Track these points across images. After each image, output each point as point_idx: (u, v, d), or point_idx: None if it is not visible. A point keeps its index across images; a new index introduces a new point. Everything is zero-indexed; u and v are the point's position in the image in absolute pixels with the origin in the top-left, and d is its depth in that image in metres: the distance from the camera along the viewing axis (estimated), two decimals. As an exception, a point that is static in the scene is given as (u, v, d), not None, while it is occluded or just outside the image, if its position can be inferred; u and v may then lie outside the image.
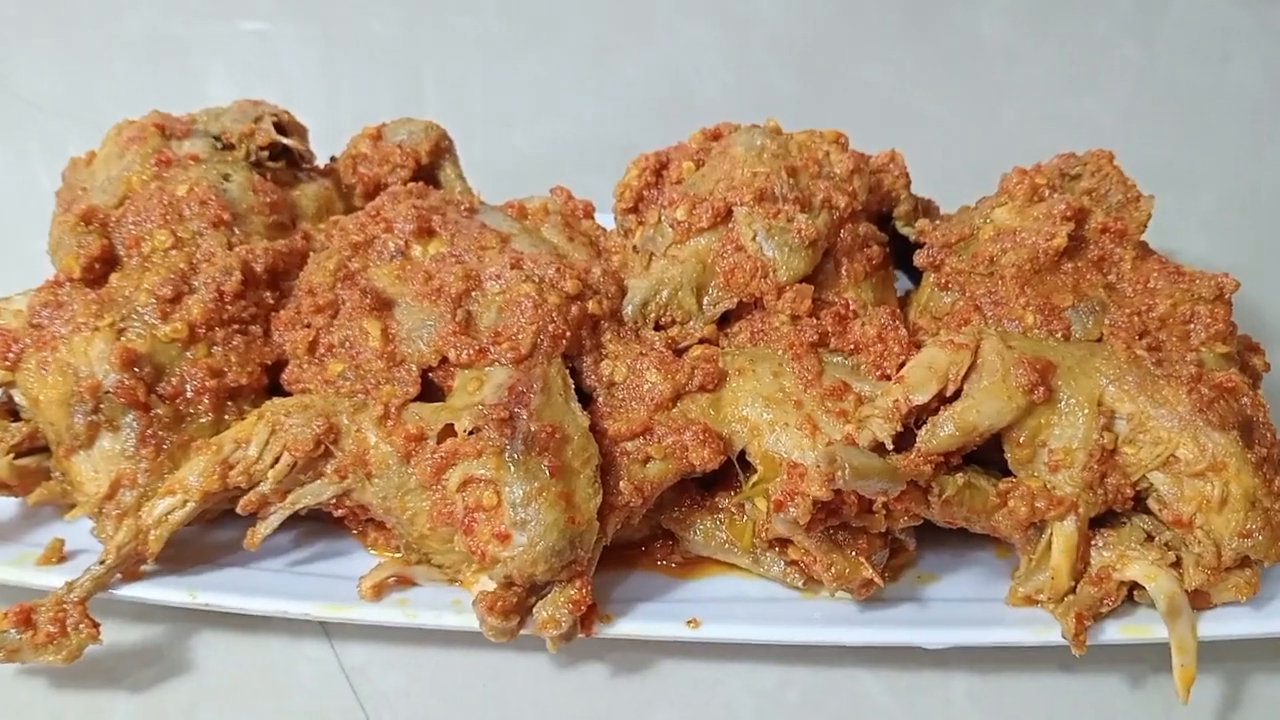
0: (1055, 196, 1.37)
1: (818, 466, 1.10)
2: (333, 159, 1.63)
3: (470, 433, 1.20)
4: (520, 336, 1.28)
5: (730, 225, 1.38)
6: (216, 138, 1.51)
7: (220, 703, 1.25)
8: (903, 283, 1.56)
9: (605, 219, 1.55)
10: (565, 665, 1.29)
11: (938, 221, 1.51)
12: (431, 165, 1.57)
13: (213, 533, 1.32)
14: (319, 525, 1.34)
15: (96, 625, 1.19)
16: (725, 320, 1.39)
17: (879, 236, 1.46)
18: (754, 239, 1.36)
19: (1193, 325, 1.28)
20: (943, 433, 1.20)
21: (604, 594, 1.27)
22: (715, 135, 1.52)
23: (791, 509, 1.16)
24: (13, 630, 1.15)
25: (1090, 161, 1.45)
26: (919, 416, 1.22)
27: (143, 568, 1.25)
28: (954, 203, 1.57)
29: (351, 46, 2.46)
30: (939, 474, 1.21)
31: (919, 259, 1.44)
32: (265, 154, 1.50)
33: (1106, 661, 1.30)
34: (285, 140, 1.50)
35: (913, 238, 1.51)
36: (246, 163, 1.48)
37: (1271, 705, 1.28)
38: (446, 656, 1.29)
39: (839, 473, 1.09)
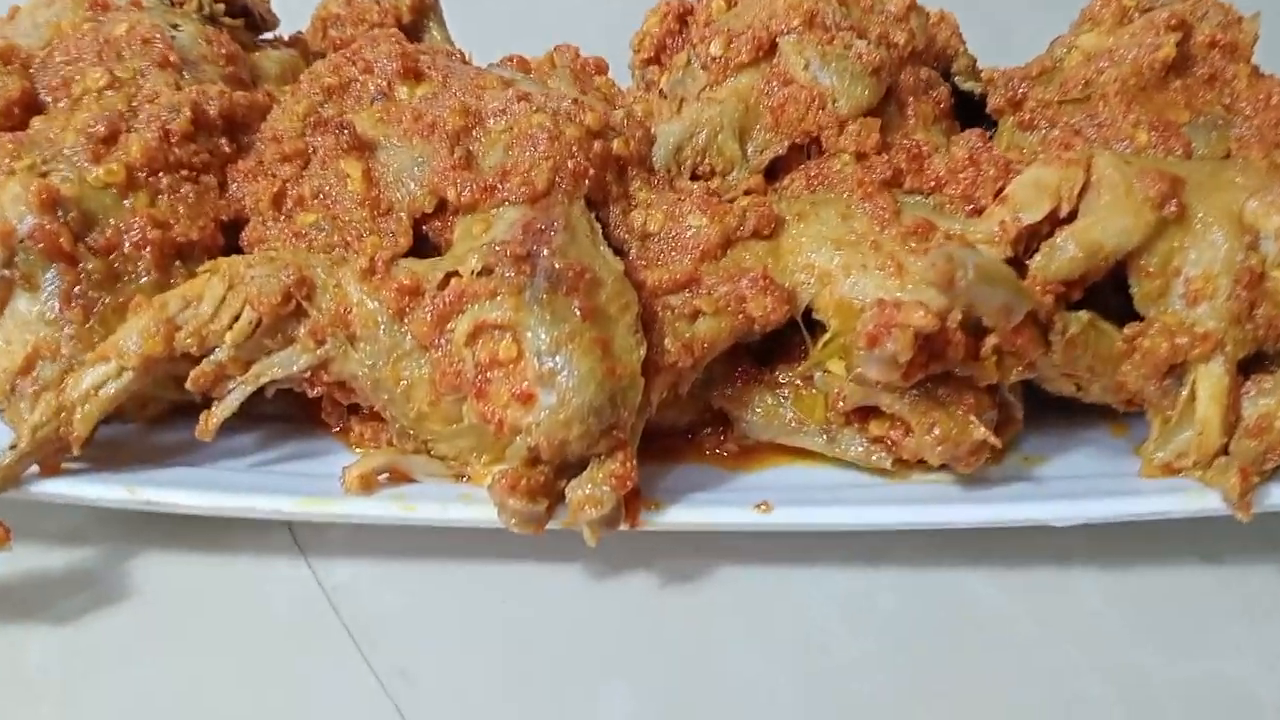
0: (1155, 8, 1.17)
1: (932, 265, 0.87)
2: (299, 33, 1.40)
3: (480, 274, 0.97)
4: (534, 172, 1.04)
5: (775, 59, 1.16)
6: (163, -9, 1.28)
7: (168, 637, 0.98)
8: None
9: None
10: (602, 575, 1.04)
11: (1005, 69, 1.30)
12: (414, 25, 1.35)
13: (157, 434, 1.07)
14: (289, 426, 1.10)
15: (6, 530, 0.93)
16: (772, 173, 1.17)
17: (942, 82, 1.25)
18: (806, 68, 1.14)
19: (1333, 140, 1.08)
20: (1064, 255, 0.98)
21: (649, 486, 1.02)
22: (748, -25, 1.31)
23: (889, 343, 0.92)
24: (-101, 532, 0.89)
25: (1181, -18, 1.26)
26: (1030, 243, 1.00)
27: (67, 462, 0.99)
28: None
29: None
30: (1060, 310, 0.98)
31: (994, 100, 1.23)
32: (221, 8, 1.27)
33: (1255, 549, 1.07)
34: (243, -2, 1.28)
35: (978, 91, 1.29)
36: (200, 16, 1.25)
37: None
38: (452, 570, 1.04)
39: (959, 273, 0.86)
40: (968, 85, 1.32)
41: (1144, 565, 1.06)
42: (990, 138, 1.24)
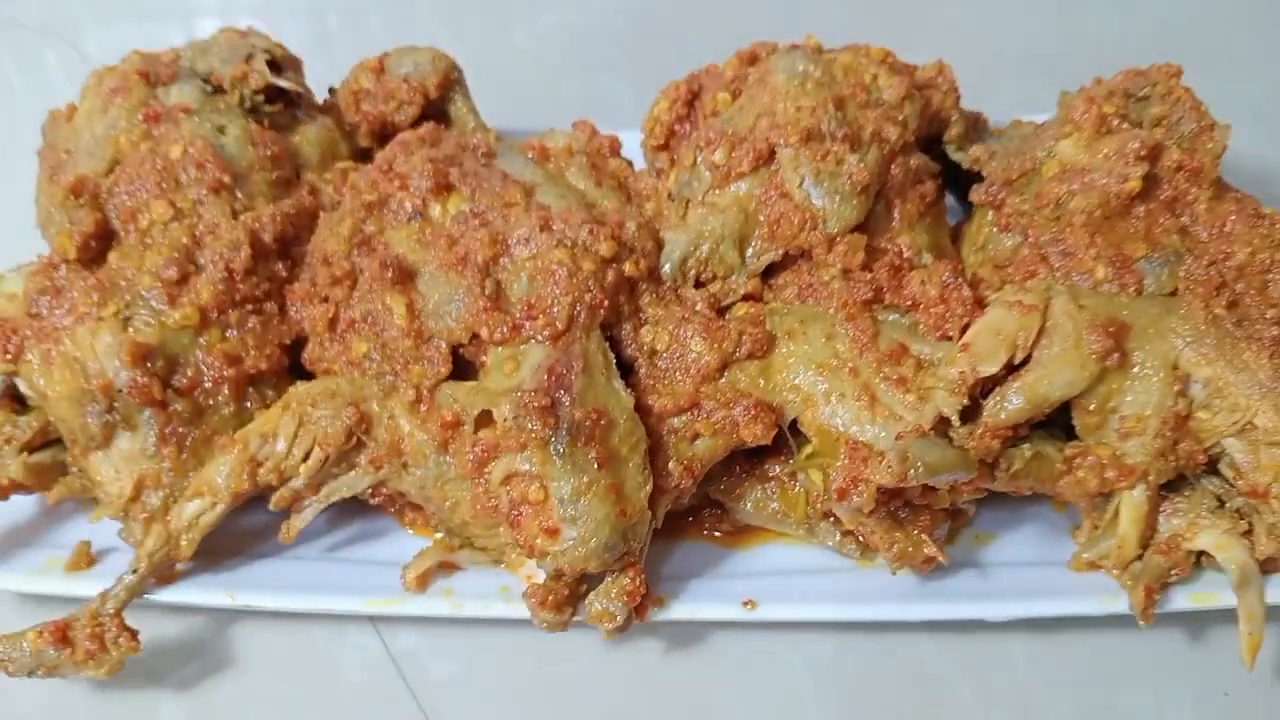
0: (1127, 130, 1.27)
1: (889, 467, 1.04)
2: (332, 91, 1.50)
3: (510, 423, 1.14)
4: (555, 310, 1.19)
5: (774, 167, 1.27)
6: (205, 80, 1.37)
7: (267, 696, 1.23)
8: (951, 204, 1.46)
9: (631, 137, 1.45)
10: (619, 645, 1.26)
11: (992, 145, 1.40)
12: (441, 99, 1.45)
13: (244, 518, 1.27)
14: (354, 504, 1.29)
15: (135, 635, 1.15)
16: (770, 271, 1.31)
17: (931, 168, 1.36)
18: (801, 185, 1.26)
19: (1272, 274, 1.20)
20: (1011, 406, 1.13)
21: (654, 570, 1.23)
22: (752, 59, 1.39)
23: (855, 497, 1.11)
24: (51, 649, 1.11)
25: (1159, 81, 1.33)
26: (987, 385, 1.15)
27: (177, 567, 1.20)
28: (998, 92, 1.45)
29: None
30: (1006, 449, 1.15)
31: (976, 196, 1.34)
32: (261, 98, 1.37)
33: (1167, 618, 1.28)
34: (281, 83, 1.37)
35: (966, 164, 1.40)
36: (241, 109, 1.36)
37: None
38: (498, 639, 1.26)
39: (911, 471, 1.03)
40: (957, 156, 1.43)
41: (1069, 633, 1.27)
42: (963, 222, 1.37)
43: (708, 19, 1.92)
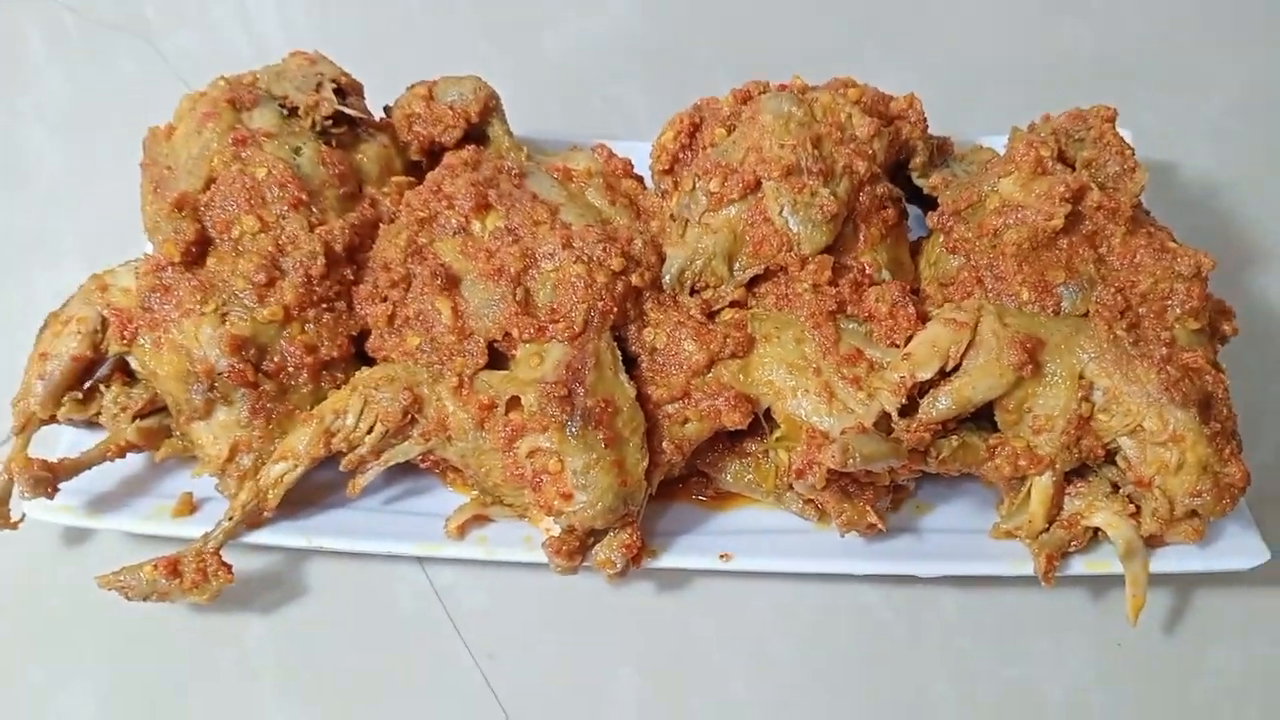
0: (1059, 171, 1.50)
1: (832, 456, 1.30)
2: (387, 110, 1.74)
3: (535, 408, 1.41)
4: (574, 315, 1.45)
5: (759, 196, 1.52)
6: (281, 103, 1.62)
7: (334, 620, 1.52)
8: (915, 214, 1.70)
9: (644, 148, 1.69)
10: (619, 587, 1.54)
11: (950, 172, 1.64)
12: (481, 123, 1.69)
13: (319, 475, 1.54)
14: (407, 466, 1.56)
15: (229, 569, 1.43)
16: (753, 282, 1.55)
17: (894, 194, 1.60)
18: (781, 213, 1.50)
19: (1170, 301, 1.44)
20: (941, 405, 1.38)
21: (649, 527, 1.50)
22: (745, 98, 1.63)
23: (810, 477, 1.38)
24: (163, 579, 1.40)
25: (1094, 125, 1.57)
26: (923, 387, 1.41)
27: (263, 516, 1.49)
28: (968, 108, 1.64)
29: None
30: (936, 439, 1.41)
31: (931, 220, 1.58)
32: (329, 122, 1.62)
33: (1073, 580, 1.54)
34: (347, 110, 1.62)
35: (925, 190, 1.64)
36: (313, 133, 1.61)
37: (1206, 613, 1.54)
38: (521, 579, 1.55)
39: (851, 460, 1.30)
40: (919, 181, 1.67)
41: (992, 589, 1.55)
42: (924, 238, 1.61)
43: (715, 32, 2.14)
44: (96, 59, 2.21)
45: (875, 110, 1.63)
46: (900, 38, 2.24)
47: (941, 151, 1.73)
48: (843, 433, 1.35)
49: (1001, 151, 1.69)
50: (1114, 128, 1.57)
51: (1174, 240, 1.50)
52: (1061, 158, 1.56)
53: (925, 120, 1.67)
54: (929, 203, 1.67)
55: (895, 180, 1.65)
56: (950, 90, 1.65)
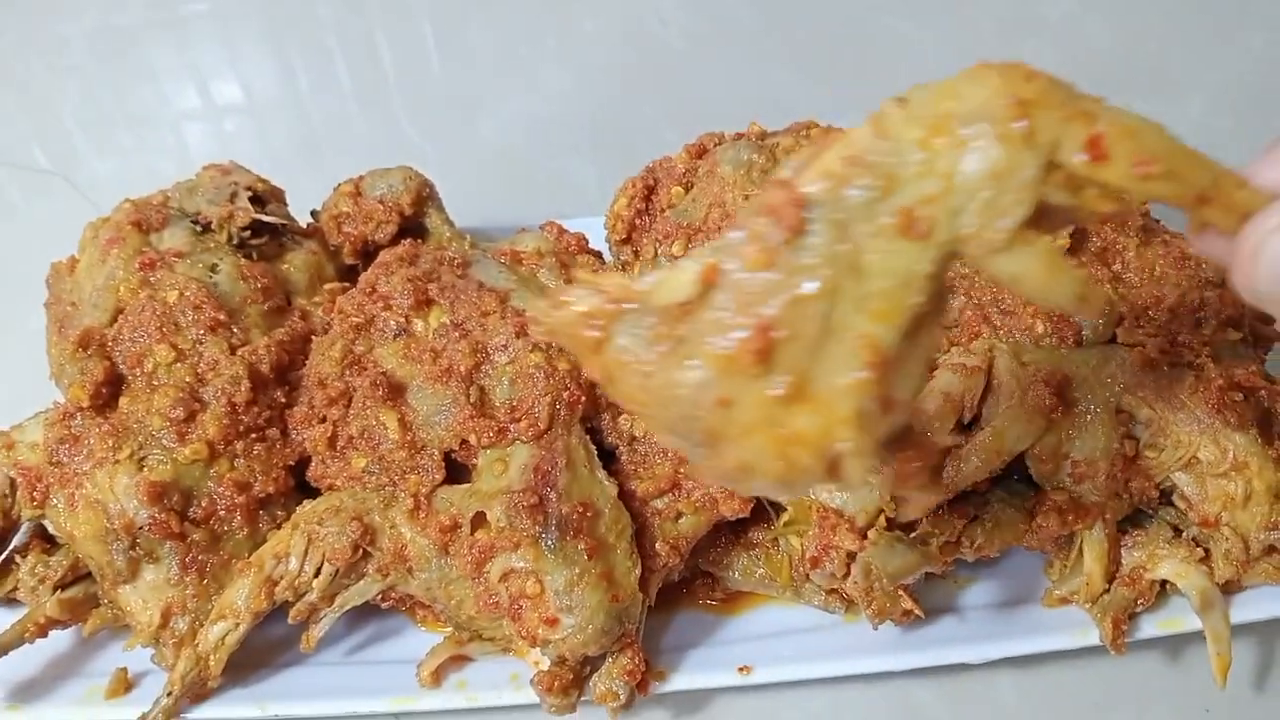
0: (1055, 191, 1.35)
1: (854, 582, 1.13)
2: (314, 214, 1.60)
3: (503, 523, 1.22)
4: (537, 410, 1.28)
5: (728, 257, 1.36)
6: (194, 220, 1.47)
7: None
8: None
9: (596, 222, 1.55)
10: (627, 716, 1.34)
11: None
12: (415, 214, 1.55)
13: (268, 630, 1.34)
14: (369, 606, 1.37)
15: (175, 752, 1.24)
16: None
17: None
18: (754, 271, 1.34)
19: (1203, 313, 1.28)
20: (969, 467, 1.21)
21: (653, 643, 1.30)
22: (700, 152, 1.49)
23: (828, 564, 1.19)
24: (97, 775, 1.20)
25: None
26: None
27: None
28: None
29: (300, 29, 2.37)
30: (968, 526, 1.23)
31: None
32: (247, 233, 1.47)
33: (1147, 644, 1.34)
34: (265, 218, 1.47)
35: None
36: (230, 246, 1.45)
37: (1303, 662, 1.34)
38: (510, 721, 1.35)
39: (876, 585, 1.12)
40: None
41: (1053, 664, 1.34)
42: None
43: (658, 88, 2.02)
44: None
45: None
46: (854, 78, 2.12)
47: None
48: (860, 549, 1.17)
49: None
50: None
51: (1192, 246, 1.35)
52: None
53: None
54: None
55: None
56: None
